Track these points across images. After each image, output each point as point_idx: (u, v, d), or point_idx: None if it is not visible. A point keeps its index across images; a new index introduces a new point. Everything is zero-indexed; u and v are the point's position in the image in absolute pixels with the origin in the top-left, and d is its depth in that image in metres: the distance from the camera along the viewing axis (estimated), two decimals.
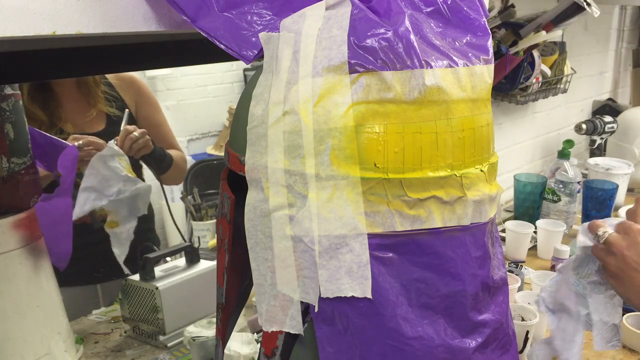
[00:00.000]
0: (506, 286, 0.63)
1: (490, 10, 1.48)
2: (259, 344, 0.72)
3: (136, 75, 1.62)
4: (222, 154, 0.99)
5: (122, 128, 1.40)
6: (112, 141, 1.35)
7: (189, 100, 3.36)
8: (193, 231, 2.23)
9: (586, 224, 0.81)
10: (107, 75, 1.53)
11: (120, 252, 1.39)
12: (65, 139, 1.26)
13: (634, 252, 0.73)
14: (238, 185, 0.63)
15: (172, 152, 1.60)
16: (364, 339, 0.54)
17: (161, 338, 1.21)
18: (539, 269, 1.52)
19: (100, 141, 1.35)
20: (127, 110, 1.47)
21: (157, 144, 1.51)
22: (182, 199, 2.25)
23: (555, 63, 2.00)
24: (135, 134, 1.39)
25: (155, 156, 1.48)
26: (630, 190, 2.11)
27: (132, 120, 1.51)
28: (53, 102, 1.42)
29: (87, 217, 1.44)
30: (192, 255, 1.32)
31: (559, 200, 1.78)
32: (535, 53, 1.79)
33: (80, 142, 1.33)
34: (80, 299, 1.48)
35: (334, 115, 0.52)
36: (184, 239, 1.68)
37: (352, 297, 0.53)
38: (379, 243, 0.53)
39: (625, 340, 1.19)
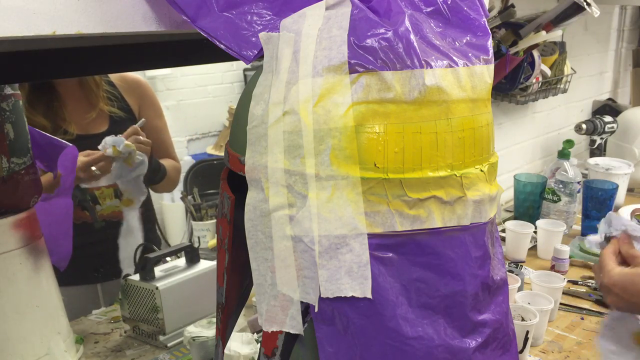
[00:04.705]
0: (506, 286, 0.63)
1: (490, 10, 1.48)
2: (259, 344, 0.72)
3: (142, 78, 1.62)
4: (222, 154, 0.99)
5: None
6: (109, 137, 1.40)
7: (189, 100, 3.36)
8: (193, 231, 2.23)
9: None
10: (111, 76, 1.53)
11: (136, 229, 1.47)
12: (71, 140, 1.26)
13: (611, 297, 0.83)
14: (238, 185, 0.63)
15: (167, 163, 1.61)
16: (364, 339, 0.54)
17: (161, 338, 1.21)
18: (539, 269, 1.52)
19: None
20: (142, 119, 1.50)
21: (155, 149, 1.52)
22: (182, 199, 2.25)
23: (555, 63, 2.00)
24: (142, 137, 1.43)
25: (150, 167, 1.49)
26: (630, 190, 2.11)
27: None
28: (56, 102, 1.42)
29: (89, 216, 1.44)
30: (192, 255, 1.32)
31: (559, 200, 1.78)
32: (535, 53, 1.79)
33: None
34: (81, 298, 1.48)
35: (334, 115, 0.52)
36: (166, 243, 1.70)
37: (352, 297, 0.53)
38: (379, 243, 0.53)
39: None
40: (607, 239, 0.88)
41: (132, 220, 1.47)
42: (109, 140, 1.38)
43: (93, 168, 1.36)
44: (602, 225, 0.90)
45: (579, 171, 1.82)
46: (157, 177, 1.55)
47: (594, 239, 0.92)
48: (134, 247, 1.44)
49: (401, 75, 0.52)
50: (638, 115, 2.32)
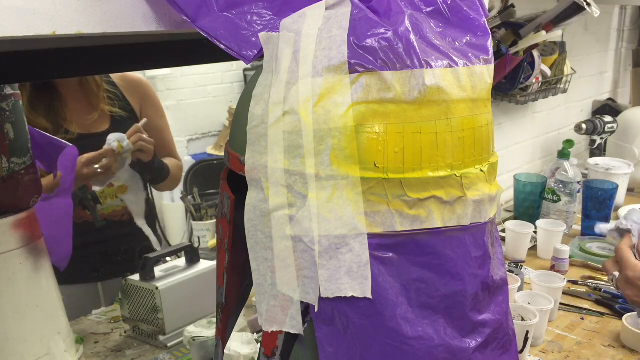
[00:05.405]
0: (506, 286, 0.63)
1: (490, 10, 1.48)
2: (259, 344, 0.72)
3: (143, 78, 1.62)
4: (222, 154, 0.99)
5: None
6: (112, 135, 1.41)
7: (189, 100, 3.36)
8: (193, 231, 2.23)
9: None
10: (112, 76, 1.53)
11: (138, 210, 1.52)
12: (72, 140, 1.26)
13: (632, 291, 0.95)
14: (238, 185, 0.63)
15: (169, 161, 1.62)
16: (364, 339, 0.54)
17: (161, 338, 1.21)
18: (539, 269, 1.52)
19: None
20: (145, 119, 1.52)
21: (156, 148, 1.52)
22: (182, 199, 2.25)
23: (555, 63, 2.00)
24: (145, 136, 1.44)
25: (154, 167, 1.50)
26: (630, 190, 2.11)
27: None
28: (58, 102, 1.42)
29: (89, 215, 1.44)
30: (192, 255, 1.32)
31: (559, 200, 1.78)
32: (535, 53, 1.79)
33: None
34: (82, 297, 1.48)
35: (334, 115, 0.52)
36: (166, 242, 1.72)
37: (352, 297, 0.53)
38: (379, 243, 0.53)
39: (625, 340, 1.19)
40: (620, 231, 0.91)
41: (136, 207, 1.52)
42: (112, 136, 1.40)
43: (96, 166, 1.36)
44: (619, 219, 0.94)
45: (579, 171, 1.82)
46: (160, 177, 1.56)
47: (604, 226, 0.96)
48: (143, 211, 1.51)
49: (401, 75, 0.52)
50: (638, 115, 2.32)
